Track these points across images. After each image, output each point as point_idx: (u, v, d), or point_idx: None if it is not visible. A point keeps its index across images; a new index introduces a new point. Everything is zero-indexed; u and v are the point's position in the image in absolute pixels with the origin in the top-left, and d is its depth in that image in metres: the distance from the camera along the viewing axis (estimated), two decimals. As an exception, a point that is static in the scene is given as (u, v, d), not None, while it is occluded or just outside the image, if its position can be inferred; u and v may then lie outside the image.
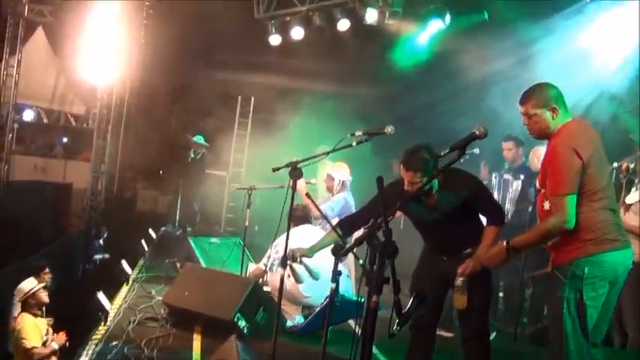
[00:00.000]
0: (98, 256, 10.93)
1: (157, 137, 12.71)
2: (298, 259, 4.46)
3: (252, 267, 7.02)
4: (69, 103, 16.44)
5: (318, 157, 4.64)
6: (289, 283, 5.92)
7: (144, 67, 13.82)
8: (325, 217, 4.79)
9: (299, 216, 6.36)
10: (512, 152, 7.29)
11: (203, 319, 5.93)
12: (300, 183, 5.16)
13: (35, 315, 6.25)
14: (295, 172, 4.38)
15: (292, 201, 4.41)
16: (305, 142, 10.89)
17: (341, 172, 7.23)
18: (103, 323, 5.78)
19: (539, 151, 6.88)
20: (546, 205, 3.63)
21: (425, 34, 11.44)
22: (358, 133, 4.54)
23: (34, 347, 5.98)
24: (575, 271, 3.52)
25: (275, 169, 4.53)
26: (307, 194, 5.21)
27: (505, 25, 9.93)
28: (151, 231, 10.23)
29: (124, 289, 7.22)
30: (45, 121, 17.71)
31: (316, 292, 6.29)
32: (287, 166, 4.42)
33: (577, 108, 7.20)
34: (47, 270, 6.94)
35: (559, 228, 3.51)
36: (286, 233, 4.52)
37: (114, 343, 5.25)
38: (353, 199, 7.29)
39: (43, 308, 6.39)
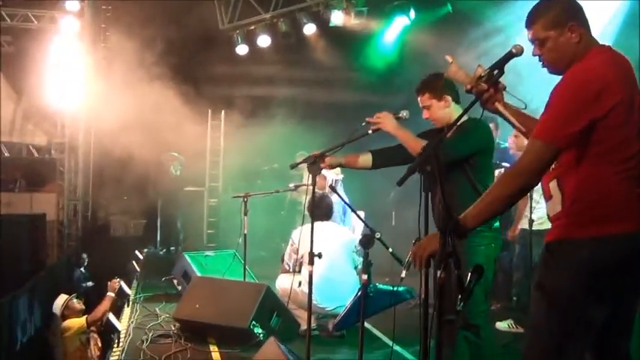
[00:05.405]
0: (83, 285, 10.70)
1: (126, 160, 12.42)
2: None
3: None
4: (30, 134, 16.09)
5: (336, 148, 4.47)
6: (299, 291, 5.73)
7: (106, 90, 13.56)
8: (350, 207, 4.72)
9: (323, 213, 6.13)
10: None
11: (218, 330, 5.81)
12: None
13: None
14: (314, 166, 4.26)
15: (313, 196, 4.32)
16: (281, 151, 10.89)
17: (332, 171, 7.17)
18: (116, 344, 5.63)
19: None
20: (552, 185, 2.74)
21: (391, 32, 11.53)
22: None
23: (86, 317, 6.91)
24: None
25: (293, 166, 4.44)
26: (331, 186, 5.12)
27: (470, 15, 10.04)
28: (137, 252, 10.05)
29: (126, 310, 7.06)
30: (6, 154, 17.25)
31: (327, 300, 6.07)
32: (305, 161, 4.31)
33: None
34: (117, 278, 7.61)
35: None
36: (310, 230, 4.40)
37: (134, 362, 5.11)
38: (346, 196, 7.34)
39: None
